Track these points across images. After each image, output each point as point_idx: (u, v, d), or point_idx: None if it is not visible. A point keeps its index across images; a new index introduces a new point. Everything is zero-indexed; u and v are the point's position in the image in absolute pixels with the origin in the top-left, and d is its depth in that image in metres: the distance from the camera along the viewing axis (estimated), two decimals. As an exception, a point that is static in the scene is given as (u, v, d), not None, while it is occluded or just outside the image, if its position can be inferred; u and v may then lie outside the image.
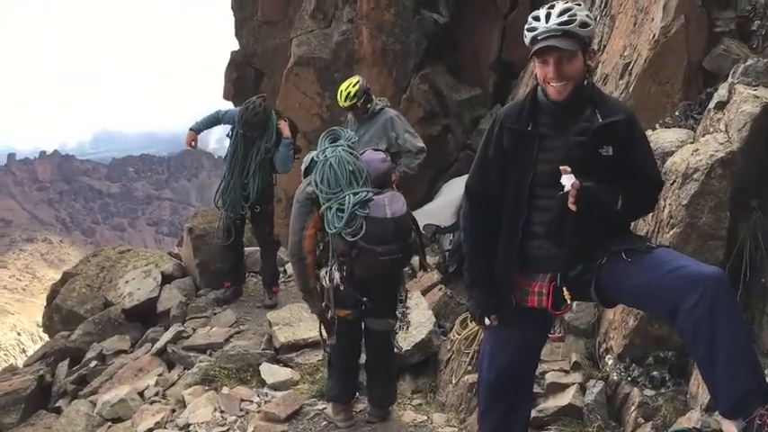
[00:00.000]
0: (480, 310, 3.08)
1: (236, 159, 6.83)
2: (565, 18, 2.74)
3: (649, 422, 3.53)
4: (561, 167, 2.77)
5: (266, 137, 6.76)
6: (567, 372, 4.05)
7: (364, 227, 4.00)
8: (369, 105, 6.39)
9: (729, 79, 3.81)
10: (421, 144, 6.46)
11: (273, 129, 6.80)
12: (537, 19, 2.81)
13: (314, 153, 4.60)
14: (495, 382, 3.13)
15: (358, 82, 6.34)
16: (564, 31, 2.73)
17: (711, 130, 3.72)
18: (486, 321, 3.09)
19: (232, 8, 11.76)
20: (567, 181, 2.74)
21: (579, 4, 2.83)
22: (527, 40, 2.83)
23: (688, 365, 3.62)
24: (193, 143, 7.05)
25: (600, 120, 2.80)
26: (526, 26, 2.84)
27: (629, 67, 4.70)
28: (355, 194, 4.08)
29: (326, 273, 4.18)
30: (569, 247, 2.87)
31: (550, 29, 2.75)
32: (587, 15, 2.79)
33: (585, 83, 2.84)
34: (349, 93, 6.26)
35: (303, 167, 4.59)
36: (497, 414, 3.16)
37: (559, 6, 2.79)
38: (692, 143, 3.71)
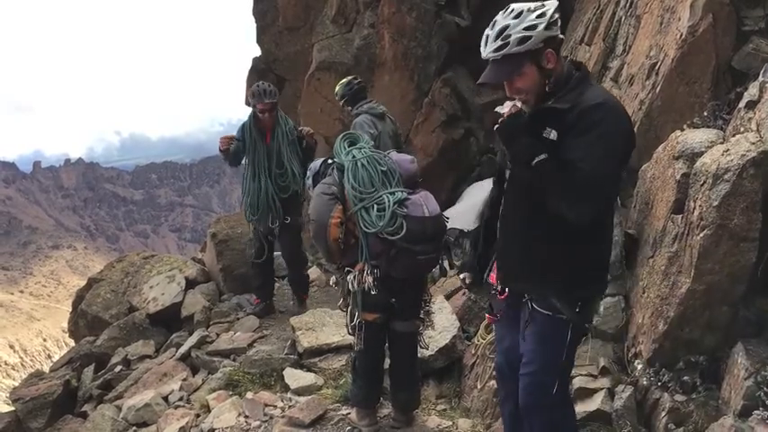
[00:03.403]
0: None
1: (258, 159, 6.60)
2: (498, 44, 2.80)
3: (680, 428, 3.47)
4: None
5: (282, 120, 6.66)
6: (595, 377, 3.99)
7: (404, 226, 3.98)
8: (349, 107, 6.71)
9: (760, 78, 3.72)
10: None
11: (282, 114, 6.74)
12: (486, 39, 2.86)
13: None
14: (500, 368, 3.37)
15: (341, 83, 6.75)
16: (502, 55, 2.80)
17: (742, 129, 3.64)
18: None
19: (254, 14, 11.82)
20: (507, 107, 2.89)
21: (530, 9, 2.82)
22: None
23: (720, 370, 3.54)
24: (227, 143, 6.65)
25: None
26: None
27: (656, 68, 4.63)
28: (392, 194, 4.07)
29: (355, 276, 4.16)
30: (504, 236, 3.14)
31: (488, 57, 2.84)
32: (527, 27, 2.77)
33: (548, 86, 2.88)
34: (335, 91, 6.75)
35: (310, 174, 4.56)
36: (512, 402, 3.29)
37: (496, 27, 2.82)
38: (721, 143, 3.63)
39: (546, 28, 2.78)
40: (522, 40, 2.77)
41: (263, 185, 6.60)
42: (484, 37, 2.85)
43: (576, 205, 2.75)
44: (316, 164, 4.63)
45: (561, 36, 2.90)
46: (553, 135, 2.80)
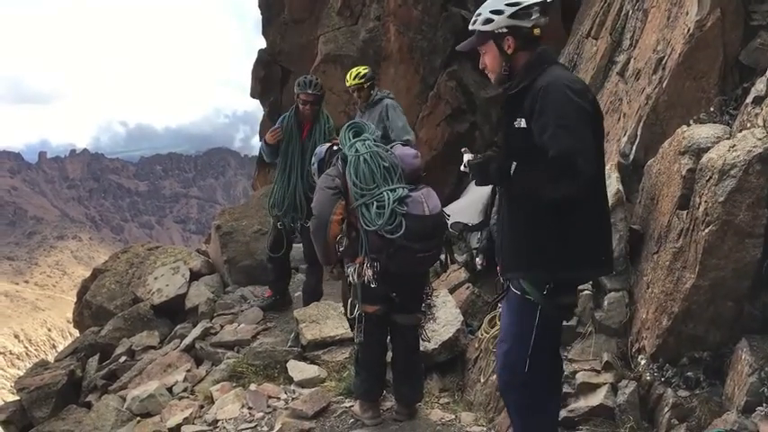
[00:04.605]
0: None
1: (292, 152, 6.42)
2: (473, 18, 3.15)
3: (683, 423, 3.46)
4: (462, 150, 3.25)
5: (323, 118, 6.54)
6: (598, 372, 3.98)
7: (404, 224, 3.97)
8: (372, 91, 6.77)
9: (767, 73, 3.71)
10: (407, 137, 6.49)
11: (326, 113, 6.65)
12: None
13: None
14: None
15: (367, 68, 6.85)
16: (476, 29, 3.14)
17: (749, 125, 3.63)
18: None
19: (260, 6, 11.81)
20: (465, 158, 3.18)
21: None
22: None
23: (723, 366, 3.54)
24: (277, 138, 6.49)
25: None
26: None
27: (663, 62, 4.60)
28: (392, 191, 4.05)
29: (355, 269, 4.16)
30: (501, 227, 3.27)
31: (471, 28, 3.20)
32: (492, 11, 3.05)
33: (504, 69, 3.12)
34: (359, 73, 6.72)
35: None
36: None
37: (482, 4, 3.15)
38: (728, 139, 3.62)
39: (511, 16, 3.01)
40: (486, 21, 3.07)
41: (292, 182, 6.42)
42: None
43: (560, 185, 2.83)
44: (321, 149, 4.62)
45: (533, 30, 3.04)
46: (523, 123, 2.96)
